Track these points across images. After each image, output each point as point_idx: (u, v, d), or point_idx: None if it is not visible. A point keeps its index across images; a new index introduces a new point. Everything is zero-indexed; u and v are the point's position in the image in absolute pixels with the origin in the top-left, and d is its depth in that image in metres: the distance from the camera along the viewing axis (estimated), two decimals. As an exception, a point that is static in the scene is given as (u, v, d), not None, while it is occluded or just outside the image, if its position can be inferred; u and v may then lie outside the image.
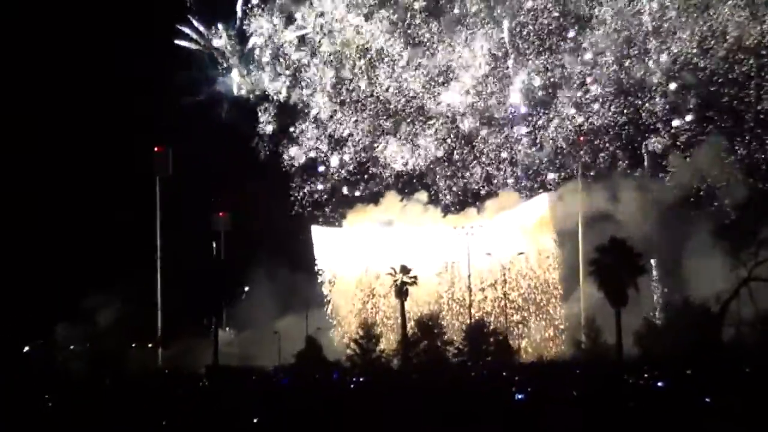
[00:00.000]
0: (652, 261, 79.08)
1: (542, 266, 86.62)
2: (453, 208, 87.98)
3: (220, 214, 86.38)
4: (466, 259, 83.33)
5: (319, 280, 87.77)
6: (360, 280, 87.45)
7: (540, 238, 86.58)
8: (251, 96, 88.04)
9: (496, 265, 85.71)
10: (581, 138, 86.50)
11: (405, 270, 78.95)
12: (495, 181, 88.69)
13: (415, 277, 79.08)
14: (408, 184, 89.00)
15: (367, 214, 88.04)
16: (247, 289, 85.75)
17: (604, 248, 68.52)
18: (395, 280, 79.05)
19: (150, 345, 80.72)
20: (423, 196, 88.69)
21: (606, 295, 67.57)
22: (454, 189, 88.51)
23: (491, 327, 77.66)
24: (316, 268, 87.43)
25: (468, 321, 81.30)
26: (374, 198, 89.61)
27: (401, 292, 78.56)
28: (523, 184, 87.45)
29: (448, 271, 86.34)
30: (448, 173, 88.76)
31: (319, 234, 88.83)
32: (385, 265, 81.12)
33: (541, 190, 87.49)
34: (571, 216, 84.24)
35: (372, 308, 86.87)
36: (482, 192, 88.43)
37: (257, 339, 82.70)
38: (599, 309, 72.81)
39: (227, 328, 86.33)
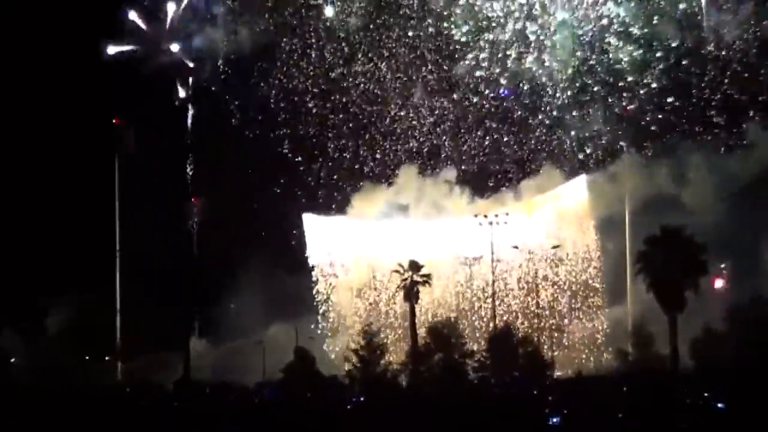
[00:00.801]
0: (722, 257, 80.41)
1: (581, 262, 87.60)
2: (482, 191, 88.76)
3: (194, 200, 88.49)
4: (489, 254, 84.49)
5: (312, 280, 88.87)
6: (362, 279, 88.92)
7: (579, 229, 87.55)
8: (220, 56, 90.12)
9: (526, 262, 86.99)
10: (628, 109, 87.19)
11: (415, 267, 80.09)
12: (534, 157, 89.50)
13: (428, 276, 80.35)
14: (432, 157, 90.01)
15: (376, 198, 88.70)
16: (226, 292, 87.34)
17: (655, 239, 68.76)
18: (404, 280, 79.95)
19: (108, 357, 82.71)
20: (450, 173, 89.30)
21: (658, 298, 68.27)
22: (485, 165, 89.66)
23: (519, 335, 78.47)
24: (309, 265, 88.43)
25: (491, 328, 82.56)
26: (386, 176, 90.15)
27: (411, 293, 79.68)
28: (565, 161, 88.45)
29: (469, 269, 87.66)
30: (479, 148, 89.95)
31: (312, 224, 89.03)
32: (393, 262, 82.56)
33: (581, 171, 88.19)
34: (618, 201, 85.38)
35: (376, 313, 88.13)
36: (515, 172, 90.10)
37: (238, 350, 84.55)
38: (650, 314, 73.48)
39: (201, 338, 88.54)
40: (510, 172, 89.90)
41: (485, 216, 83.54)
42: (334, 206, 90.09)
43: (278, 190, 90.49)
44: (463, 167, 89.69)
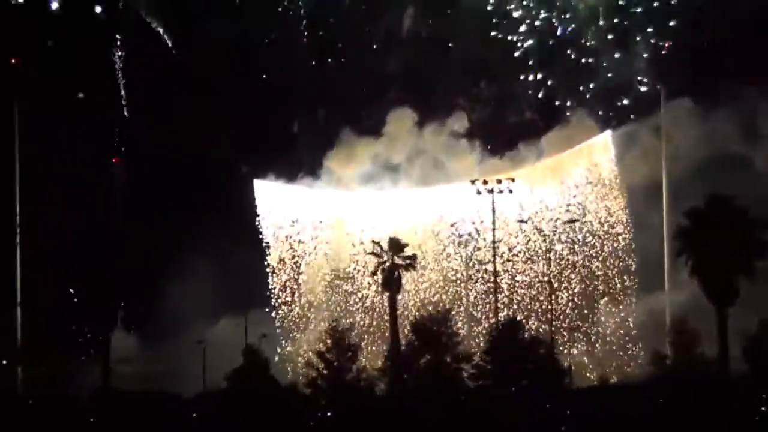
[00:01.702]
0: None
1: (609, 241, 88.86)
2: (496, 148, 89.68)
3: (114, 160, 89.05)
4: (491, 230, 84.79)
5: (266, 264, 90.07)
6: (331, 263, 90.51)
7: (604, 199, 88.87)
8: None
9: (537, 240, 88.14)
10: (667, 46, 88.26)
11: (397, 247, 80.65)
12: (562, 105, 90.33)
13: (412, 258, 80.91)
14: (436, 101, 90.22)
15: (357, 156, 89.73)
16: (159, 280, 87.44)
17: (699, 212, 68.31)
18: (382, 263, 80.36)
19: (5, 362, 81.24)
20: (457, 123, 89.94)
21: (703, 286, 68.31)
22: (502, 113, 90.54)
23: (528, 334, 77.82)
24: (263, 246, 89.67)
25: (493, 324, 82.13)
26: (373, 127, 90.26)
27: (391, 280, 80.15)
28: (598, 111, 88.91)
29: (465, 249, 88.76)
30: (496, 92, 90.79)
31: (265, 192, 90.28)
32: (370, 240, 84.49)
33: (615, 124, 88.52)
34: (653, 164, 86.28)
35: (348, 305, 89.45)
36: (538, 123, 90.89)
37: (172, 353, 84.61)
38: (694, 306, 73.61)
39: (127, 337, 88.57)
40: (532, 123, 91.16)
41: (485, 182, 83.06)
42: (301, 168, 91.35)
43: (227, 149, 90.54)
44: (474, 116, 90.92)
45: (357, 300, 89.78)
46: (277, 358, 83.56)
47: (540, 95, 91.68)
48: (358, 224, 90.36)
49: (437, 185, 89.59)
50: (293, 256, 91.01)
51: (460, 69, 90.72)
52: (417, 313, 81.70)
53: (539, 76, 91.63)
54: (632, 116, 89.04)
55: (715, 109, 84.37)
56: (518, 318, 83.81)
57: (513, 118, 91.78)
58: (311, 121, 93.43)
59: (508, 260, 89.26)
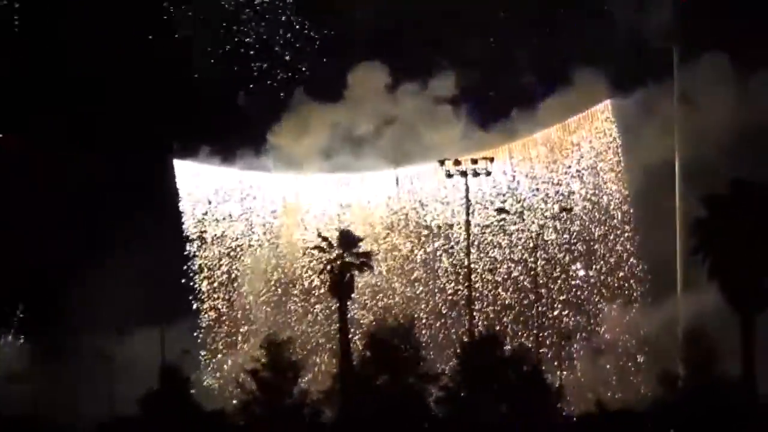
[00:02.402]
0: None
1: (608, 235, 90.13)
2: (485, 117, 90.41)
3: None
4: (465, 220, 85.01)
5: (191, 264, 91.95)
6: (271, 261, 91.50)
7: (606, 183, 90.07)
8: None
9: (520, 233, 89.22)
10: None
11: (350, 241, 79.52)
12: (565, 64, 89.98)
13: (367, 255, 79.48)
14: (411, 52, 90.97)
15: (310, 127, 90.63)
16: (58, 282, 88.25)
17: (719, 201, 67.65)
18: (328, 262, 78.97)
19: None
20: (444, 84, 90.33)
21: (723, 290, 67.61)
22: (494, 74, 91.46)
23: (510, 347, 78.18)
24: (185, 242, 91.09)
25: (467, 337, 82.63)
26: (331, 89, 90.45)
27: (342, 282, 78.75)
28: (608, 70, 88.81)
29: (435, 244, 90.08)
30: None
31: (192, 176, 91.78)
32: (316, 233, 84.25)
33: (624, 90, 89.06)
34: (667, 140, 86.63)
35: (289, 314, 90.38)
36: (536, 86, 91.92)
37: (72, 371, 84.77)
38: (712, 314, 74.21)
39: (15, 352, 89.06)
40: (528, 88, 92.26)
41: (456, 162, 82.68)
42: (240, 144, 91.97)
43: (145, 121, 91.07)
44: (462, 79, 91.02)
45: (302, 308, 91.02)
46: (202, 379, 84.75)
47: (540, 54, 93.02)
48: (309, 214, 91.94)
49: (412, 164, 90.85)
50: (226, 254, 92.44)
51: (445, 19, 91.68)
52: (373, 323, 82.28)
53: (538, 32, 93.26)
54: (645, 80, 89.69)
55: (744, 72, 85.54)
56: (497, 328, 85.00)
57: (507, 81, 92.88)
58: (253, 85, 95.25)
59: (486, 257, 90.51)
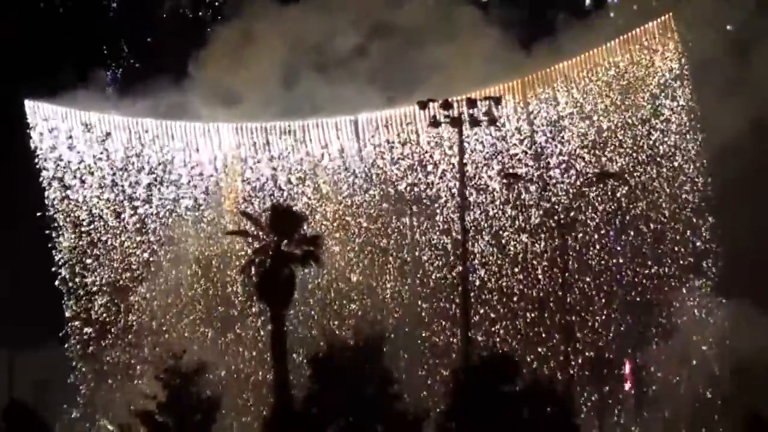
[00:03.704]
0: None
1: (660, 215, 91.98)
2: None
3: None
4: (458, 188, 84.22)
5: (55, 257, 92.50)
6: (177, 250, 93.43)
7: (655, 142, 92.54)
8: None
9: (531, 209, 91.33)
10: None
11: (288, 222, 78.38)
12: None
13: (313, 242, 78.57)
14: None
15: (258, 38, 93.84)
16: None
17: None
18: (256, 253, 78.40)
19: None
20: None
21: None
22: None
23: (527, 373, 76.54)
24: (45, 221, 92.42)
25: (459, 354, 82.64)
26: None
27: (275, 282, 77.47)
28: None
29: (416, 223, 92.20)
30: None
31: (41, 118, 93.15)
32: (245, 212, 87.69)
33: None
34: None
35: (197, 329, 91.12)
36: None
37: None
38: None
39: None
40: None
41: (445, 104, 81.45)
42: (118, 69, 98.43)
43: None
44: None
45: (220, 320, 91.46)
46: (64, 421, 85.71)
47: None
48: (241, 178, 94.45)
49: (402, 104, 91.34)
50: (101, 240, 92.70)
51: None
52: (323, 341, 78.64)
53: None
54: None
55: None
56: (501, 347, 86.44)
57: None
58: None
59: (489, 244, 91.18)
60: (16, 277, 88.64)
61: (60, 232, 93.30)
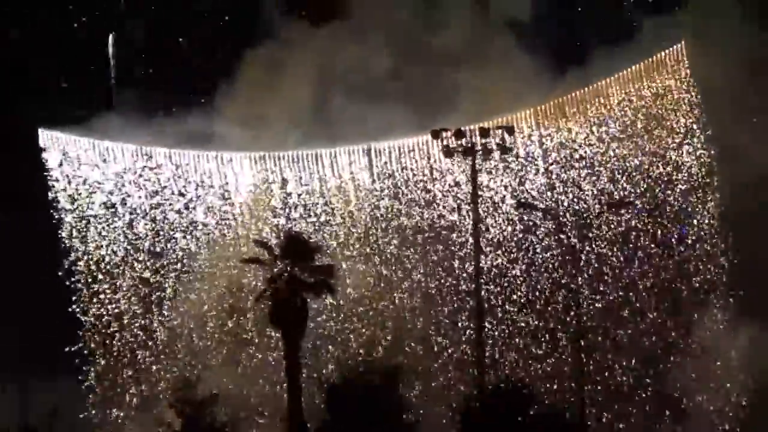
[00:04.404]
0: None
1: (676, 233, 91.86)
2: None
3: None
4: (472, 218, 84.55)
5: (73, 283, 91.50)
6: (197, 277, 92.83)
7: (675, 164, 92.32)
8: None
9: (552, 239, 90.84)
10: None
11: (300, 249, 78.72)
12: None
13: (326, 272, 78.73)
14: None
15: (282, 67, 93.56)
16: None
17: None
18: (270, 281, 78.17)
19: None
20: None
21: None
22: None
23: (543, 402, 78.81)
24: (60, 246, 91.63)
25: (475, 387, 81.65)
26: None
27: (287, 310, 77.67)
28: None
29: (431, 250, 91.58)
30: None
31: (56, 146, 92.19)
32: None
33: None
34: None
35: (211, 356, 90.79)
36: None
37: None
38: None
39: None
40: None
41: (458, 134, 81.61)
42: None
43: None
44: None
45: (234, 347, 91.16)
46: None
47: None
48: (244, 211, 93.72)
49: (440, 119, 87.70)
50: (113, 268, 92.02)
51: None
52: (335, 370, 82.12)
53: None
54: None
55: None
56: (514, 373, 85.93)
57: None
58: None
59: (501, 275, 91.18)
60: (31, 307, 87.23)
61: (76, 268, 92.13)
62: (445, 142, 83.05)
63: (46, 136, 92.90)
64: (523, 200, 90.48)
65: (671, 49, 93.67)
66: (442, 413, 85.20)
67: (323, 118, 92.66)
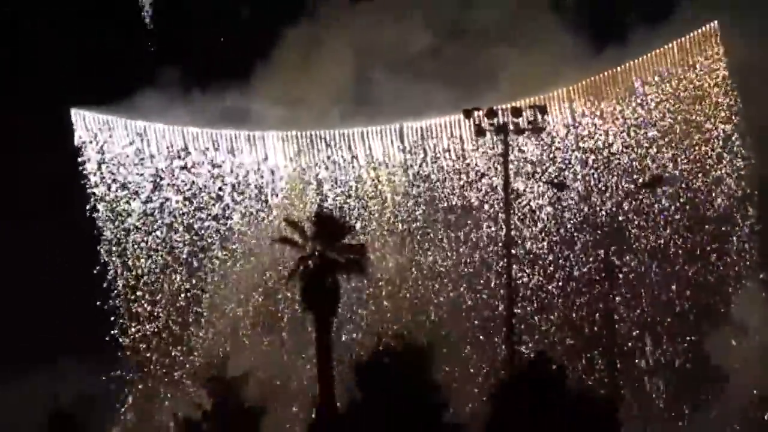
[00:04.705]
0: None
1: (706, 218, 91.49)
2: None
3: None
4: (503, 198, 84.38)
5: (104, 273, 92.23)
6: (230, 260, 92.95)
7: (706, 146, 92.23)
8: None
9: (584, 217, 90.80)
10: None
11: (332, 230, 78.12)
12: None
13: (358, 251, 78.18)
14: None
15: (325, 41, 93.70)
16: None
17: None
18: (303, 260, 77.06)
19: None
20: None
21: None
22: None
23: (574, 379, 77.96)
24: (94, 231, 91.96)
25: (498, 374, 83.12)
26: None
27: (320, 290, 77.18)
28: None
29: (452, 230, 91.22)
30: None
31: (86, 127, 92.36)
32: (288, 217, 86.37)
33: None
34: None
35: (242, 335, 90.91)
36: None
37: None
38: None
39: None
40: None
41: (490, 113, 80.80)
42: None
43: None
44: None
45: (266, 328, 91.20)
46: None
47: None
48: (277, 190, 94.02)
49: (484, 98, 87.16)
50: (142, 253, 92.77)
51: None
52: (370, 350, 76.67)
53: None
54: None
55: None
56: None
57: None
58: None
59: (532, 256, 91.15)
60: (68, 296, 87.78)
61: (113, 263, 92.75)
62: (476, 122, 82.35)
63: (79, 117, 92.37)
64: (556, 182, 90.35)
65: (705, 27, 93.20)
66: (472, 394, 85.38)
67: (361, 96, 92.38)
